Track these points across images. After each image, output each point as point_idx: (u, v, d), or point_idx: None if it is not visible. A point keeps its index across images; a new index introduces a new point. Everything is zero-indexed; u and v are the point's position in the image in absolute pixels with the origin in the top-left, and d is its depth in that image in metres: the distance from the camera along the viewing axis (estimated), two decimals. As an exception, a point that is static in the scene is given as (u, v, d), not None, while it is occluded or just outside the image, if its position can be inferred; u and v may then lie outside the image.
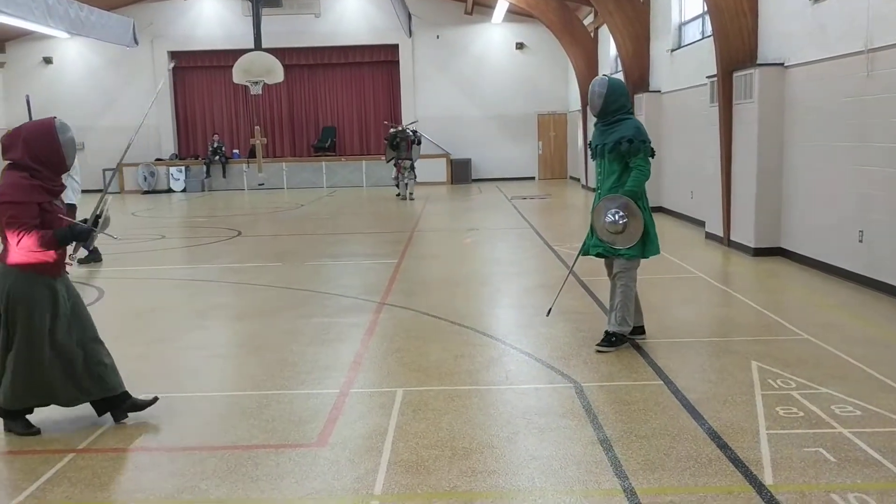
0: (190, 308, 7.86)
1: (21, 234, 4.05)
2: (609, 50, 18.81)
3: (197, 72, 25.91)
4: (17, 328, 4.20)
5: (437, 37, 24.90)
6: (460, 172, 24.61)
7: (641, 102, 14.97)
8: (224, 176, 24.64)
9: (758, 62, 9.87)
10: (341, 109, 26.38)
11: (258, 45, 21.24)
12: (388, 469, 3.80)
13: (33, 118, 10.30)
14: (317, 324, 6.85)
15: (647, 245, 5.62)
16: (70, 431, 4.41)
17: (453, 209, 17.92)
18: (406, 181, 19.30)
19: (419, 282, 8.75)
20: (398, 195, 19.83)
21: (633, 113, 5.77)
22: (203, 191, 24.27)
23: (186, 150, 26.10)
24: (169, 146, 25.55)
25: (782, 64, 9.39)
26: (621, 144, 5.46)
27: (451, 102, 24.86)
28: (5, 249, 4.20)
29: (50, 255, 4.21)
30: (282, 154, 25.99)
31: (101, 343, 4.51)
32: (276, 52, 21.92)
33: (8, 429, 4.41)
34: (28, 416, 4.43)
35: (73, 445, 4.20)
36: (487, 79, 25.08)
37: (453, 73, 25.05)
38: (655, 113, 14.77)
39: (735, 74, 10.14)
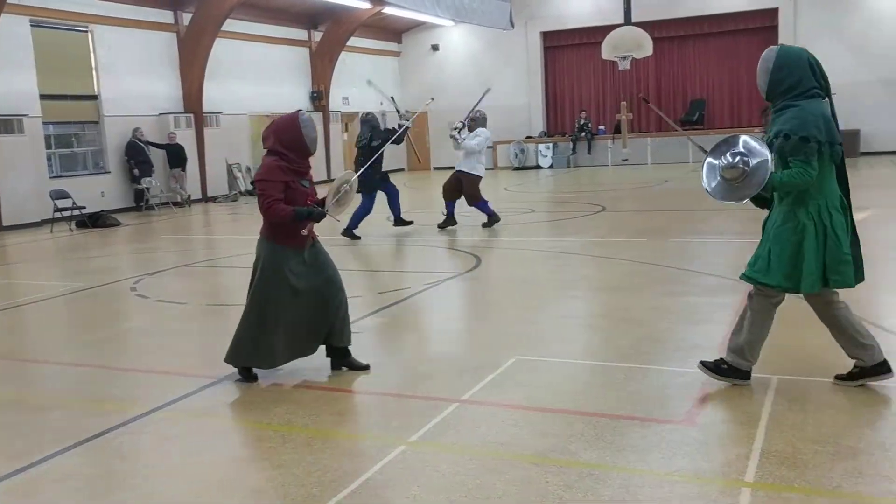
0: (558, 278, 8.19)
1: (266, 205, 4.79)
2: None
3: (567, 50, 26.62)
4: (256, 290, 4.94)
5: (824, -5, 22.62)
6: (847, 145, 22.20)
7: None
8: (589, 152, 25.10)
9: None
10: (711, 81, 25.29)
11: (628, 20, 21.21)
12: (760, 457, 3.62)
13: (479, 104, 11.79)
14: (683, 302, 6.71)
15: (802, 274, 4.20)
16: (448, 384, 4.87)
17: (836, 186, 16.24)
18: None
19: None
20: None
21: (815, 95, 4.23)
22: (568, 167, 24.98)
23: (554, 127, 27.02)
24: (538, 124, 26.68)
25: None
26: (778, 140, 4.16)
27: (838, 67, 22.24)
28: (263, 224, 5.00)
29: (294, 231, 4.87)
30: (647, 129, 25.71)
31: (342, 299, 5.13)
32: (646, 25, 21.69)
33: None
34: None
35: (458, 396, 4.63)
36: (885, 37, 22.18)
37: (843, 33, 22.55)
38: None
39: None
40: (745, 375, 4.53)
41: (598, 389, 4.69)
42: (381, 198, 11.55)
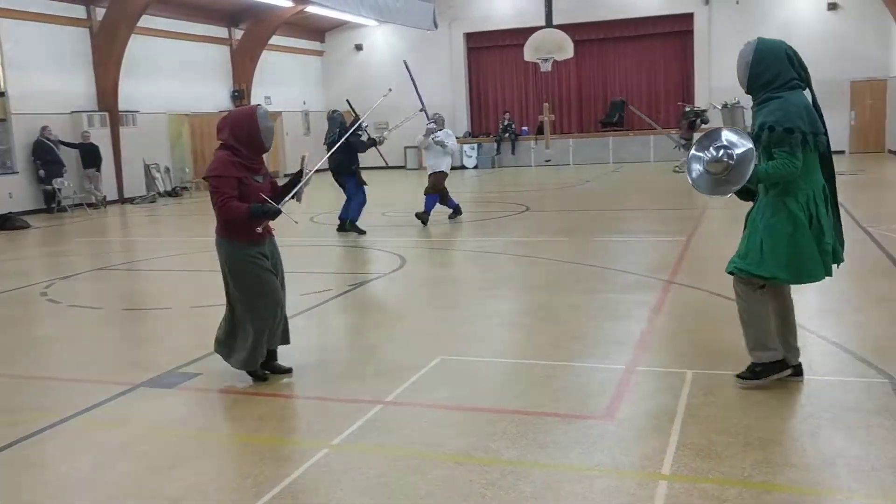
0: (482, 278, 8.24)
1: (221, 203, 4.67)
2: (945, 4, 16.40)
3: (490, 51, 26.79)
4: (239, 292, 4.85)
5: (737, 2, 23.40)
6: (757, 147, 23.08)
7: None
8: (513, 153, 25.34)
9: None
10: (631, 83, 25.84)
11: (549, 23, 21.52)
12: (676, 450, 3.72)
13: (415, 80, 12.26)
14: (603, 299, 6.85)
15: (800, 267, 4.27)
16: (372, 385, 4.85)
17: (749, 186, 16.84)
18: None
19: (711, 261, 8.36)
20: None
21: (796, 87, 4.27)
22: (493, 167, 25.18)
23: (479, 127, 27.20)
24: (463, 124, 26.80)
25: None
26: (762, 132, 4.17)
27: (750, 72, 23.21)
28: (217, 222, 4.84)
29: (250, 227, 4.74)
30: (569, 130, 26.12)
31: (284, 296, 5.09)
32: (567, 27, 22.04)
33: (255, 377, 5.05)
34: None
35: (382, 397, 4.62)
36: (798, 42, 22.72)
37: (754, 39, 23.41)
38: None
39: None
40: (783, 365, 4.46)
41: (521, 387, 4.74)
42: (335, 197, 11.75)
